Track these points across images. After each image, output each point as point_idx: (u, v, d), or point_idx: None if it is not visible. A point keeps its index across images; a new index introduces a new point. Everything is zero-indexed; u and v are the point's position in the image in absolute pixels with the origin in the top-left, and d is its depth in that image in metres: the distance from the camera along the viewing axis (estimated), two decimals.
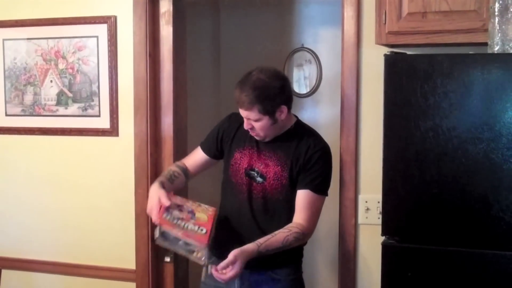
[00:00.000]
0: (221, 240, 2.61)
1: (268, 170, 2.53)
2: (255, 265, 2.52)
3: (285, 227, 2.44)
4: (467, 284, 2.18)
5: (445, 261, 2.19)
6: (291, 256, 2.56)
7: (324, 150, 2.52)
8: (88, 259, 3.19)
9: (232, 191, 2.62)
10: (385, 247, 2.27)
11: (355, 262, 2.79)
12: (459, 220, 2.17)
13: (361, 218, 2.76)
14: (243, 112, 2.47)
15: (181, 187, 2.72)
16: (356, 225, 2.77)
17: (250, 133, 2.53)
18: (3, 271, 3.01)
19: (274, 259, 2.52)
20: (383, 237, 2.30)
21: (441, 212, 2.19)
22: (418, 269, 2.22)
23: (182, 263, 3.23)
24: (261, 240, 2.38)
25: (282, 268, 2.55)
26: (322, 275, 4.25)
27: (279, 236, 2.40)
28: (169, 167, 2.73)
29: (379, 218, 2.49)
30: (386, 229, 2.29)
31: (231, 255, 2.29)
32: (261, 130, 2.48)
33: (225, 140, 2.66)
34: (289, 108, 2.51)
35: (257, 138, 2.54)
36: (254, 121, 2.46)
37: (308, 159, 2.49)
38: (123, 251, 3.13)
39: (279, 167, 2.52)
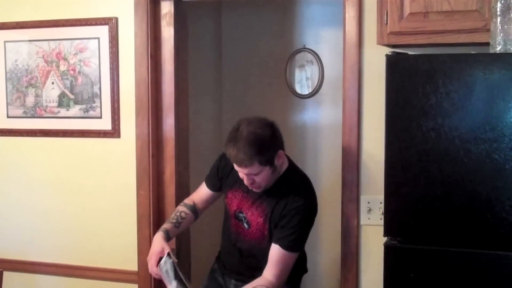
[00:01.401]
0: (220, 253, 2.74)
1: (252, 219, 2.55)
2: (252, 276, 2.52)
3: (254, 284, 2.43)
4: (470, 285, 2.17)
5: (447, 261, 2.18)
6: (290, 277, 2.54)
7: (303, 207, 2.46)
8: (90, 261, 3.19)
9: (226, 224, 2.69)
10: (387, 247, 2.27)
11: (357, 262, 2.78)
12: (461, 221, 2.16)
13: (363, 219, 2.76)
14: (242, 170, 2.42)
15: (189, 225, 2.78)
16: (358, 225, 2.76)
17: (250, 187, 2.50)
18: (5, 273, 3.00)
19: None
20: (386, 238, 2.29)
21: (444, 213, 2.18)
22: (420, 270, 2.22)
23: (184, 265, 3.23)
24: None
25: None
26: (324, 275, 4.25)
27: None
28: (178, 207, 2.73)
29: (381, 218, 2.48)
30: (389, 230, 2.28)
31: None
32: (263, 181, 2.46)
33: (223, 177, 2.67)
34: (283, 151, 2.50)
35: (257, 191, 2.51)
36: (255, 175, 2.42)
37: (283, 216, 2.46)
38: (125, 253, 3.12)
39: (261, 218, 2.52)
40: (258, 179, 2.43)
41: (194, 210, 2.70)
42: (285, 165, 2.55)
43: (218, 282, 2.74)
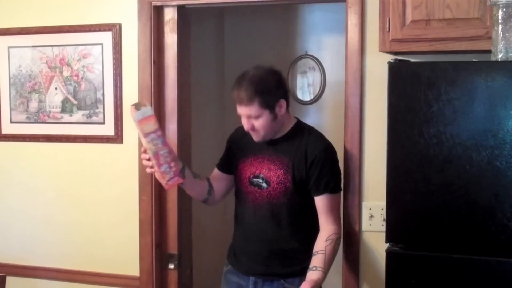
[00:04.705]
0: (235, 249, 2.72)
1: (271, 174, 2.55)
2: (268, 273, 2.56)
3: (324, 237, 2.50)
4: None
5: (449, 268, 2.19)
6: (303, 267, 2.56)
7: (327, 150, 2.55)
8: (92, 266, 3.19)
9: (240, 200, 2.68)
10: (389, 254, 2.27)
11: (359, 269, 2.78)
12: (463, 227, 2.17)
13: (365, 225, 2.76)
14: (243, 110, 2.48)
15: (201, 189, 2.71)
16: (360, 232, 2.76)
17: (251, 134, 2.55)
18: (8, 277, 3.01)
19: (287, 269, 2.58)
20: (387, 244, 2.30)
21: (445, 219, 2.19)
22: (422, 276, 2.22)
23: (186, 270, 3.23)
24: (318, 264, 2.45)
25: (295, 278, 2.58)
26: (326, 282, 4.23)
27: (329, 250, 2.48)
28: None
29: (383, 225, 2.49)
30: (390, 236, 2.29)
31: None
32: (262, 127, 2.50)
33: (234, 150, 2.71)
34: (288, 104, 2.54)
35: (256, 139, 2.56)
36: (254, 119, 2.48)
37: (313, 163, 2.51)
38: (127, 258, 3.13)
39: (281, 170, 2.54)
40: (257, 124, 2.48)
41: (209, 181, 2.71)
42: (293, 120, 2.63)
43: (236, 283, 2.70)
